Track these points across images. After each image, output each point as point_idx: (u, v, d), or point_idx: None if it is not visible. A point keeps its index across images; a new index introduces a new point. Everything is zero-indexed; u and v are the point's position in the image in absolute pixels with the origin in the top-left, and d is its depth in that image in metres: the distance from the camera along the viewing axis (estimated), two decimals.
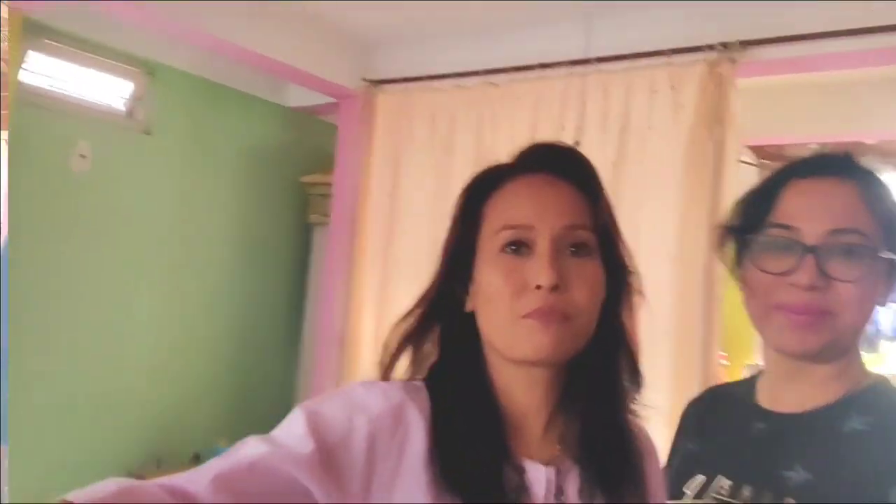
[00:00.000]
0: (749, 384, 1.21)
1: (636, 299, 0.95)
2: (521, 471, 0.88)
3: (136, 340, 4.14)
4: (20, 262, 3.66)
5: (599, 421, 0.91)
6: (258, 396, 4.65)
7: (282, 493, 0.74)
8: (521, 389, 0.91)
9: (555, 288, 0.84)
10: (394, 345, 0.92)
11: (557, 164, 0.92)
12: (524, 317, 0.85)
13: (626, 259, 0.94)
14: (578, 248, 0.88)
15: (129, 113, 4.19)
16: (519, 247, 0.88)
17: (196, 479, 0.70)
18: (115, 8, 3.43)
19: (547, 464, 0.90)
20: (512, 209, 0.90)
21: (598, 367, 0.91)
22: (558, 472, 0.90)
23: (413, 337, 0.92)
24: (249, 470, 0.72)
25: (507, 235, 0.88)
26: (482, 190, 0.94)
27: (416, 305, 0.94)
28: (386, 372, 0.92)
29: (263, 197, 4.73)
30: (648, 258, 3.08)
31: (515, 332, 0.85)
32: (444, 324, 0.93)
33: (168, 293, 4.27)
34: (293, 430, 0.79)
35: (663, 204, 3.24)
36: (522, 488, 0.86)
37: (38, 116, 3.75)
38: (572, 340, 0.86)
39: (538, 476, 0.88)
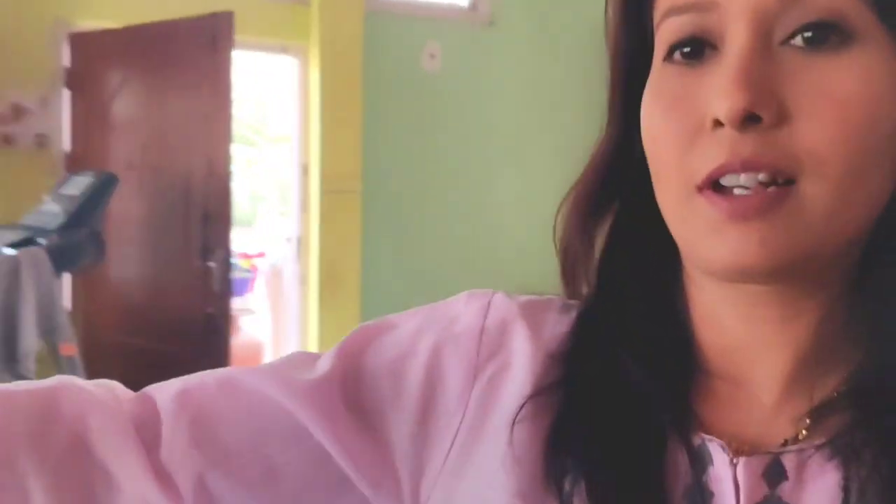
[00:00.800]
0: None
1: None
2: (703, 461, 0.46)
3: (494, 224, 4.35)
4: (377, 157, 4.03)
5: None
6: None
7: (265, 424, 0.51)
8: (736, 318, 0.48)
9: (751, 118, 0.42)
10: (566, 239, 0.53)
11: None
12: (699, 188, 0.43)
13: None
14: (817, 33, 0.42)
15: (473, 7, 4.29)
16: (696, 48, 0.45)
17: (167, 388, 0.53)
18: None
19: (779, 452, 0.45)
20: None
21: (889, 277, 0.45)
22: (801, 470, 0.44)
23: (584, 221, 0.53)
24: (218, 388, 0.52)
25: (672, 27, 0.46)
26: None
27: (587, 170, 0.54)
28: (568, 285, 0.54)
29: None
30: None
31: (690, 219, 0.45)
32: (621, 201, 0.53)
33: (520, 178, 4.38)
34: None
35: None
36: (703, 494, 0.45)
37: (389, 22, 4.02)
38: (811, 230, 0.42)
39: (747, 475, 0.45)
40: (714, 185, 0.43)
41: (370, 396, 0.52)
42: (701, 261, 0.45)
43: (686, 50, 0.45)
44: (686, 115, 0.44)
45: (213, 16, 2.89)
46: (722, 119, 0.42)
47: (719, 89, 0.42)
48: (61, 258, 2.62)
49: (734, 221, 0.42)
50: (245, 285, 5.44)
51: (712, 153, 0.43)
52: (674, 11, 0.45)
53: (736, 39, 0.43)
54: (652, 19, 0.48)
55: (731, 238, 0.42)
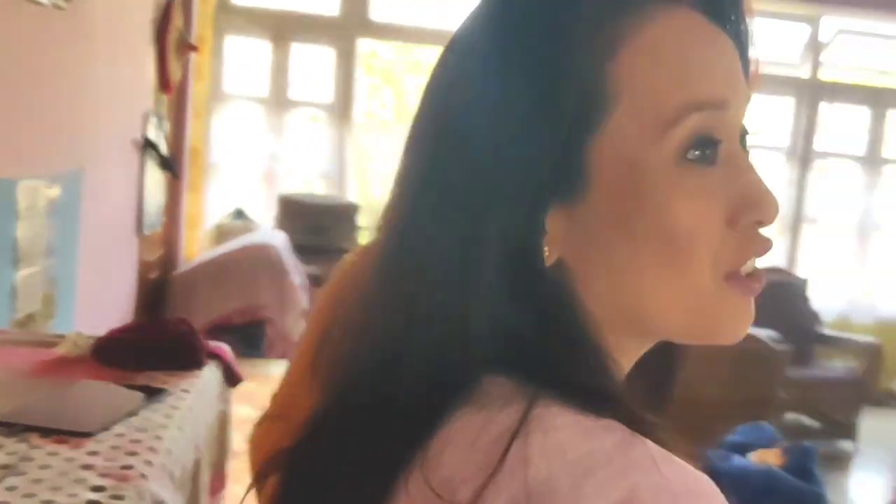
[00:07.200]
0: None
1: None
2: None
3: None
4: None
5: None
6: None
7: None
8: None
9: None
10: None
11: None
12: (728, 276, 0.49)
13: None
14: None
15: None
16: (712, 150, 0.48)
17: None
18: None
19: None
20: (700, 69, 0.48)
21: None
22: None
23: None
24: None
25: (694, 124, 0.47)
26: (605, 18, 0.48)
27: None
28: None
29: None
30: None
31: (715, 301, 0.49)
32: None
33: None
34: None
35: None
36: None
37: None
38: None
39: None
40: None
41: None
42: (718, 334, 0.50)
43: (707, 152, 0.47)
44: (715, 216, 0.47)
45: None
46: (767, 222, 0.49)
47: (760, 195, 0.48)
48: None
49: (751, 301, 0.50)
50: None
51: (751, 247, 0.49)
52: (694, 107, 0.46)
53: (737, 143, 0.49)
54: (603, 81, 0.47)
55: (750, 315, 0.51)
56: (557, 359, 0.46)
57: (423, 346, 0.46)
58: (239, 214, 5.35)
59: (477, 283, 0.46)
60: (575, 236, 0.48)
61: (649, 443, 0.42)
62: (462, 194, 0.47)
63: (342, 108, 5.44)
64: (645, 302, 0.48)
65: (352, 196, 5.46)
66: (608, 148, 0.47)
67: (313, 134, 5.61)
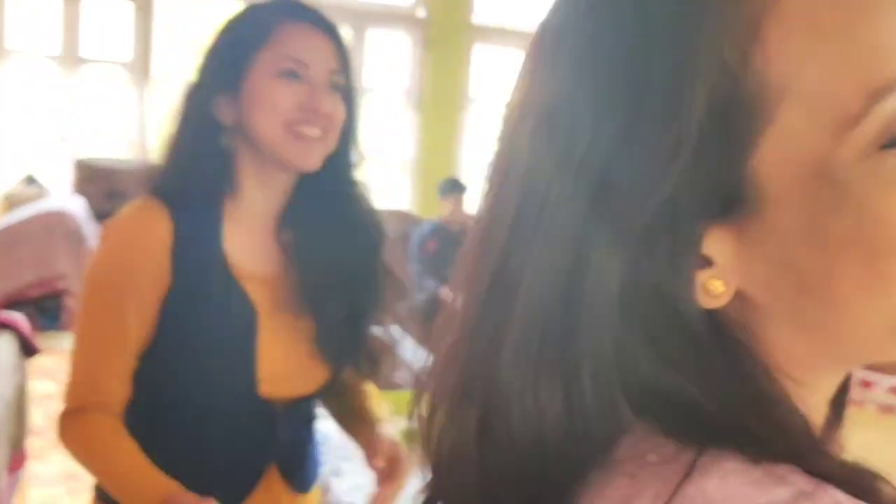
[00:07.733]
0: None
1: None
2: None
3: None
4: None
5: None
6: None
7: None
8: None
9: None
10: None
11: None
12: None
13: None
14: None
15: None
16: None
17: None
18: None
19: None
20: (876, 36, 0.39)
21: None
22: None
23: None
24: None
25: (887, 113, 0.39)
26: None
27: None
28: None
29: None
30: None
31: None
32: None
33: None
34: None
35: None
36: None
37: None
38: None
39: None
40: None
41: None
42: None
43: None
44: None
45: None
46: None
47: None
48: None
49: None
50: None
51: None
52: (882, 93, 0.37)
53: None
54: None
55: None
56: (725, 407, 0.39)
57: (560, 405, 0.39)
58: (30, 181, 5.01)
59: (620, 329, 0.39)
60: (750, 261, 0.40)
61: (835, 493, 0.35)
62: (593, 231, 0.39)
63: (141, 66, 5.19)
64: (844, 321, 0.40)
65: (154, 159, 5.24)
66: (779, 154, 0.38)
67: (110, 93, 5.32)
